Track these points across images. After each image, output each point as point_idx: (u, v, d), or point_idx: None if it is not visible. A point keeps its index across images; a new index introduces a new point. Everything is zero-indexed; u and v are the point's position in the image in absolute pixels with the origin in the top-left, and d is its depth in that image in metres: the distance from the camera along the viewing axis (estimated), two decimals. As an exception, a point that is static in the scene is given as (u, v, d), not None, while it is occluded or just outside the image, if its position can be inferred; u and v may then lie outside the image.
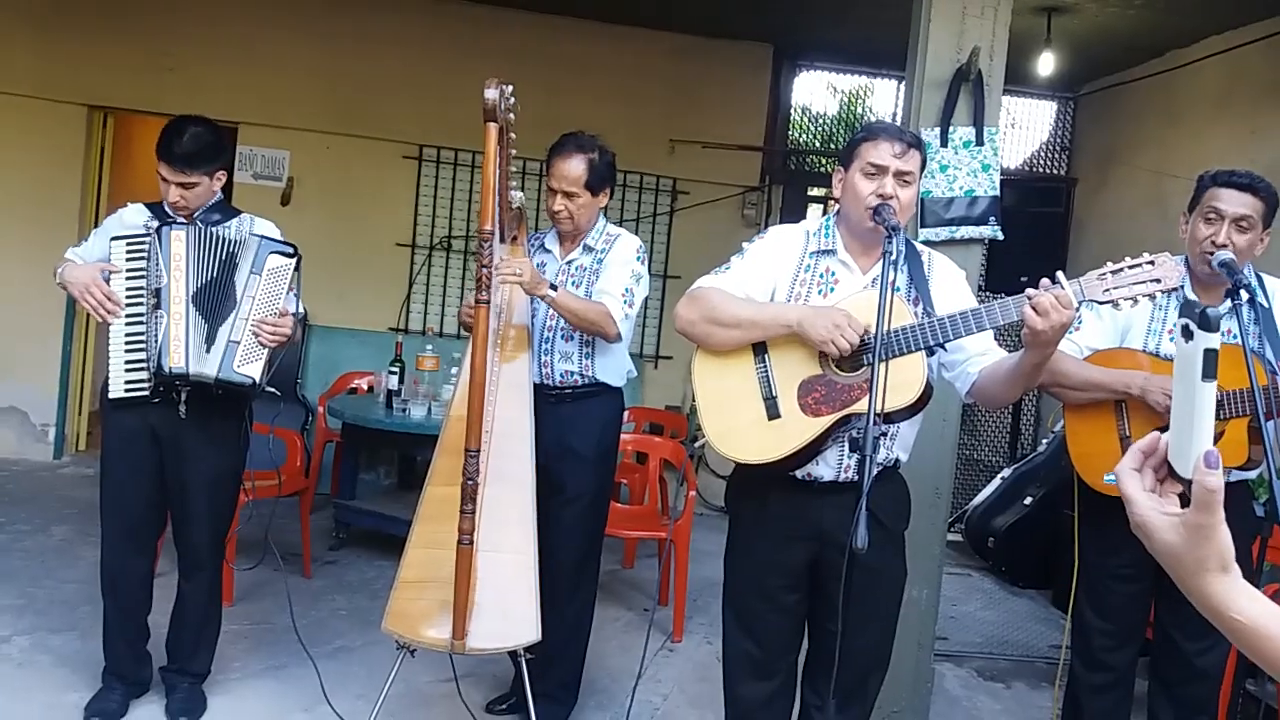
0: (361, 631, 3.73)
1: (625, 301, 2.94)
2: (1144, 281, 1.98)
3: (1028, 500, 5.31)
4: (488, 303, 2.49)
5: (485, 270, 2.46)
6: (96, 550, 2.99)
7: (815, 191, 6.92)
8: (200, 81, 5.87)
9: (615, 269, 2.99)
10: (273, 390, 2.89)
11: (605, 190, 3.04)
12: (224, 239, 2.83)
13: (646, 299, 6.43)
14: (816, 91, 7.41)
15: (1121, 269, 2.00)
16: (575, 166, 2.95)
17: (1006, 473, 5.68)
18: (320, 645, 3.58)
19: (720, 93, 6.38)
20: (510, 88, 2.50)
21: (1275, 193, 2.45)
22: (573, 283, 3.02)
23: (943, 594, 3.58)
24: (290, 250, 2.88)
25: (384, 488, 5.31)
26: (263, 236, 2.89)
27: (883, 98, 7.40)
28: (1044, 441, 5.77)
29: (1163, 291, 1.99)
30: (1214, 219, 2.43)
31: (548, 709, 3.02)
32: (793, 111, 7.00)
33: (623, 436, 4.83)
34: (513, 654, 2.71)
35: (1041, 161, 6.98)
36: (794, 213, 6.58)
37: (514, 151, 2.73)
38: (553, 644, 2.73)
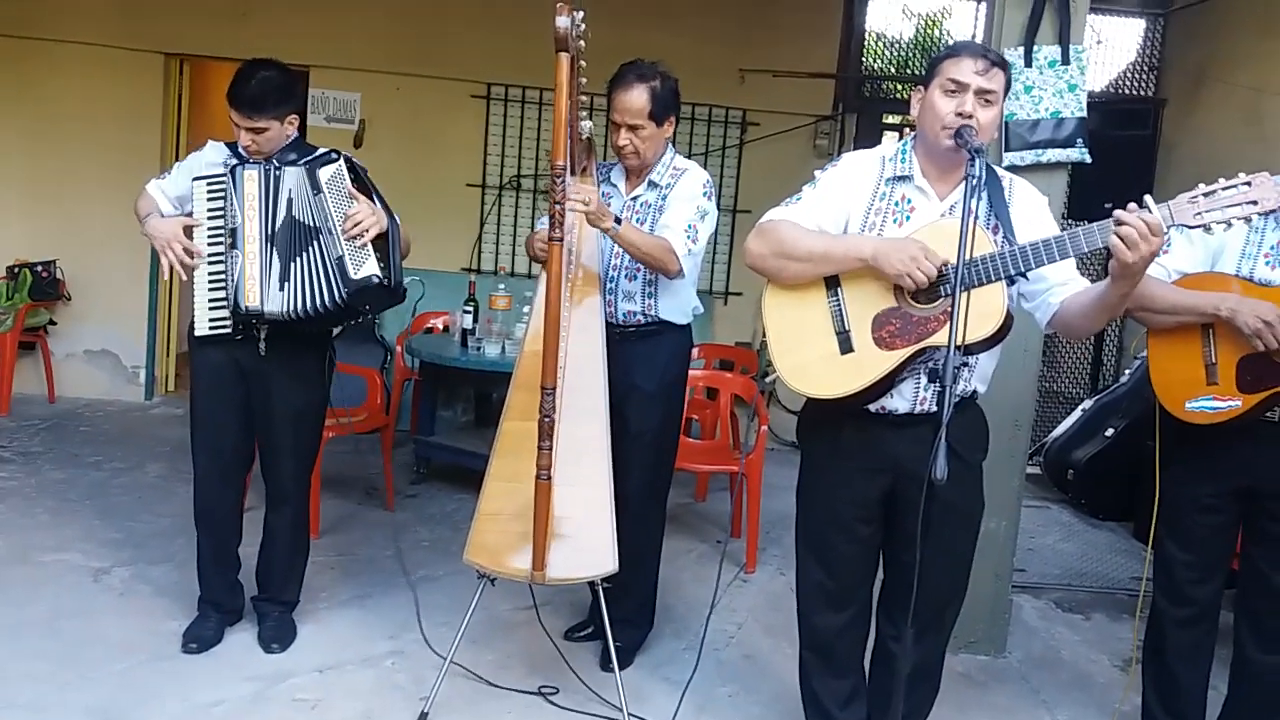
0: (443, 562, 3.84)
1: (689, 238, 2.88)
2: (1239, 204, 1.90)
3: (1109, 432, 5.19)
4: (561, 240, 2.49)
5: (559, 206, 2.46)
6: (189, 486, 3.10)
7: (891, 119, 6.73)
8: (273, 26, 5.92)
9: (680, 204, 2.94)
10: (398, 282, 2.87)
11: (670, 118, 2.96)
12: (284, 174, 2.85)
13: (715, 234, 6.37)
14: (892, 15, 7.18)
15: (1215, 190, 1.91)
16: (637, 97, 2.88)
17: (1087, 404, 5.55)
18: (404, 576, 3.70)
19: (791, 19, 6.20)
20: (581, 14, 2.46)
21: None
22: (637, 219, 2.98)
23: (1020, 526, 3.54)
24: (334, 156, 2.86)
25: (461, 424, 5.41)
26: (304, 161, 2.86)
27: (961, 20, 7.13)
28: (1126, 372, 5.62)
29: (1260, 214, 1.91)
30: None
31: (624, 633, 3.08)
32: (867, 37, 6.79)
33: (693, 373, 4.88)
34: (590, 583, 2.77)
35: (1127, 82, 6.68)
36: (868, 142, 6.42)
37: (584, 81, 2.69)
38: (625, 573, 2.77)
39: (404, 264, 2.95)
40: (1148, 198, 1.92)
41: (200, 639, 3.06)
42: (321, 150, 2.96)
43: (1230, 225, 1.92)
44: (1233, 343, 2.37)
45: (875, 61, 6.94)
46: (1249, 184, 1.89)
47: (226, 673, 2.94)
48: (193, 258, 2.84)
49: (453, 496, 4.71)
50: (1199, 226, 1.92)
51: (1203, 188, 1.93)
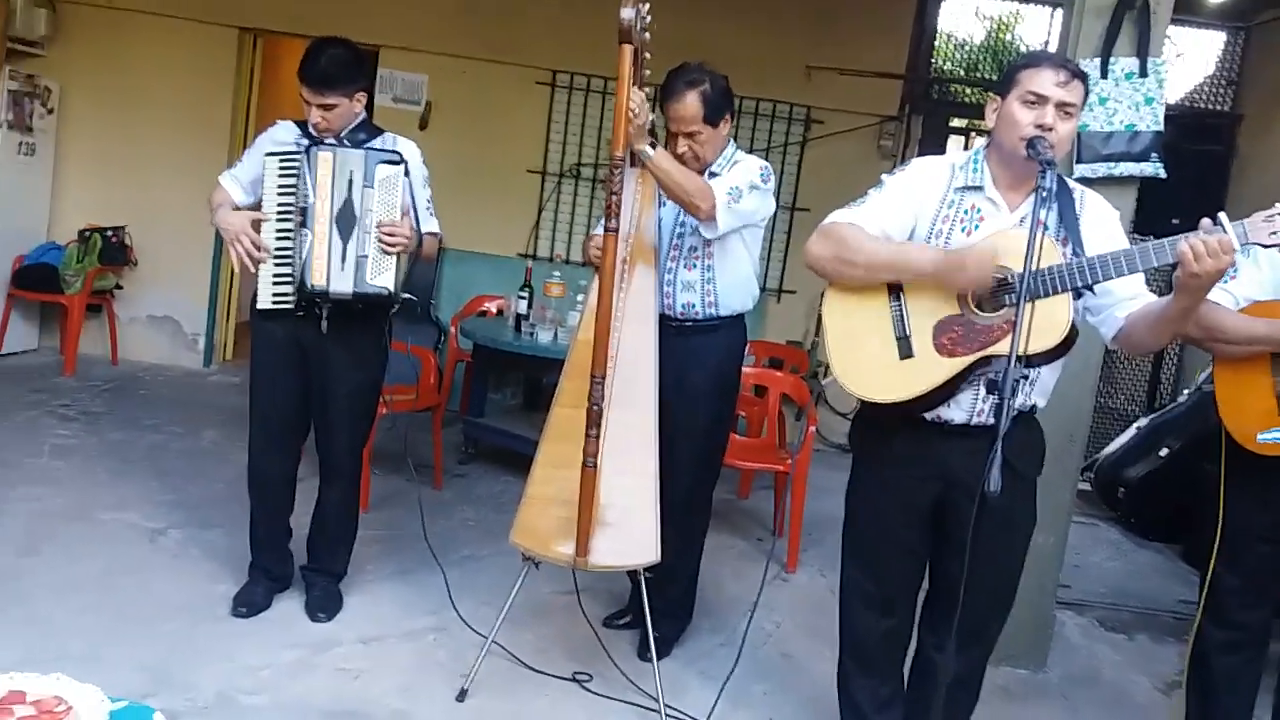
0: (488, 542, 3.89)
1: (730, 195, 2.83)
2: (1317, 226, 1.85)
3: (1164, 452, 5.10)
4: (616, 231, 2.50)
5: (615, 197, 2.47)
6: (244, 454, 3.18)
7: (957, 122, 6.65)
8: (344, 4, 6.00)
9: (730, 175, 2.91)
10: (410, 297, 2.99)
11: (725, 118, 2.94)
12: (350, 156, 2.90)
13: (772, 230, 6.33)
14: (963, 17, 7.09)
15: (1293, 212, 1.87)
16: (690, 104, 2.86)
17: (1143, 422, 5.46)
18: (449, 554, 3.74)
19: (861, 17, 6.15)
20: (647, 6, 2.47)
21: None
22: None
23: (1068, 542, 3.50)
24: (396, 158, 2.92)
25: (510, 407, 5.46)
26: (369, 148, 2.94)
27: (1034, 25, 7.03)
28: (1185, 392, 5.51)
29: (1336, 238, 1.87)
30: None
31: (663, 625, 3.10)
32: (942, 39, 6.71)
33: (744, 370, 4.88)
34: (631, 572, 2.79)
35: (1204, 96, 6.54)
36: (934, 144, 6.35)
37: (648, 72, 2.69)
38: (668, 564, 2.79)
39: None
40: (1222, 215, 1.88)
41: (250, 604, 3.13)
42: (390, 144, 3.02)
43: (1305, 249, 1.88)
44: (1305, 374, 2.32)
45: (944, 63, 6.87)
46: (1328, 207, 1.85)
47: (274, 638, 3.00)
48: (260, 251, 2.90)
49: (499, 478, 4.76)
50: (1274, 246, 1.88)
51: (1279, 207, 1.89)
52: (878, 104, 6.23)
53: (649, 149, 2.71)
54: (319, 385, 3.07)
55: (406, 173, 2.93)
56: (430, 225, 3.10)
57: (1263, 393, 2.41)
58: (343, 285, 2.89)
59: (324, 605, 3.18)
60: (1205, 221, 1.91)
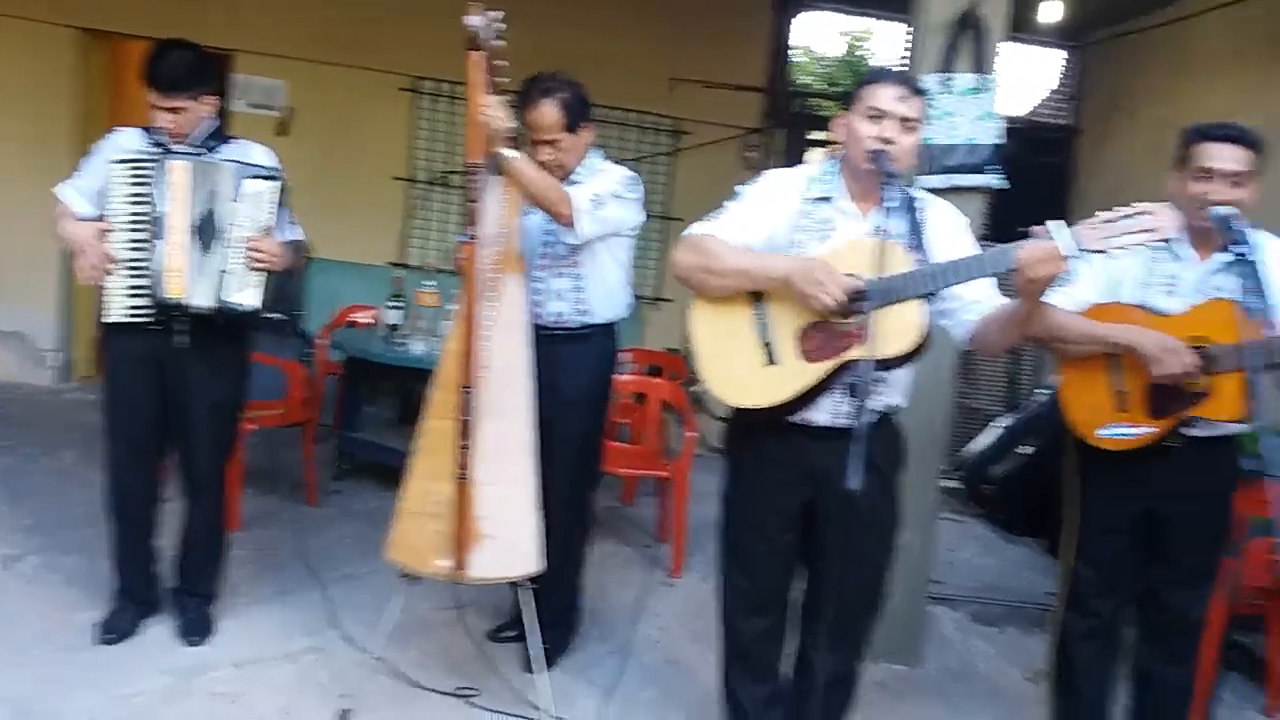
0: (366, 559, 3.81)
1: (593, 202, 2.86)
2: (1137, 231, 2.00)
3: (1024, 449, 5.37)
4: (477, 238, 2.50)
5: (475, 205, 2.47)
6: (104, 474, 3.05)
7: (816, 135, 6.89)
8: (196, 8, 5.79)
9: (590, 182, 2.94)
10: (278, 316, 2.93)
11: (585, 125, 2.97)
12: (212, 166, 2.84)
13: (645, 239, 6.40)
14: (821, 33, 7.35)
15: (1116, 218, 2.02)
16: (549, 113, 2.90)
17: (1005, 422, 5.74)
18: (327, 572, 3.68)
19: (721, 30, 6.29)
20: (499, 14, 2.47)
21: (1262, 142, 2.44)
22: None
23: (939, 540, 3.65)
24: (269, 173, 2.88)
25: (386, 420, 5.36)
26: (238, 162, 2.88)
27: (887, 41, 7.35)
28: (1043, 391, 5.82)
29: (1156, 241, 2.02)
30: (1205, 175, 2.44)
31: (548, 637, 3.10)
32: (796, 53, 6.92)
33: (622, 378, 4.92)
34: (514, 583, 2.80)
35: (1047, 110, 6.95)
36: (796, 156, 6.55)
37: (506, 80, 2.69)
38: (550, 575, 2.81)
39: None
40: (1052, 223, 2.02)
41: (117, 630, 3.02)
42: (243, 151, 2.95)
43: (1128, 251, 2.03)
44: (1140, 371, 2.48)
45: (805, 77, 7.10)
46: (1148, 213, 2.00)
47: (143, 664, 2.90)
48: (108, 263, 2.80)
49: (376, 493, 4.68)
50: (1100, 251, 2.03)
51: (1105, 215, 2.02)
52: (741, 116, 6.38)
53: (508, 152, 2.72)
54: (179, 401, 2.97)
55: (284, 189, 2.88)
56: (294, 234, 3.05)
57: (1101, 391, 2.57)
58: (203, 299, 2.82)
59: (196, 628, 3.09)
60: (1038, 229, 2.04)
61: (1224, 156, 2.43)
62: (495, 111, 2.61)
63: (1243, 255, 2.33)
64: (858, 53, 7.74)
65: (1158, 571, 2.67)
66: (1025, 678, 3.58)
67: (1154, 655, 2.71)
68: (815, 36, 7.15)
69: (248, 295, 2.83)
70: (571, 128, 2.94)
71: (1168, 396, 2.46)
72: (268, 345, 3.89)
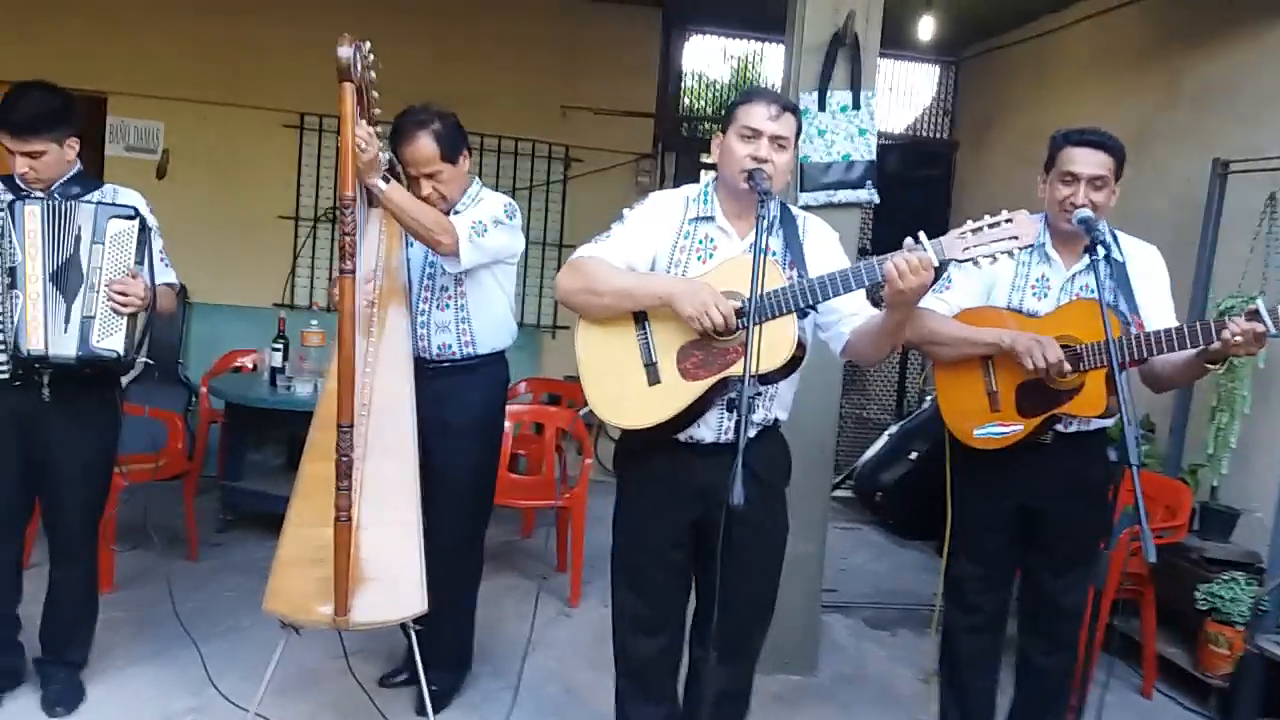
0: (251, 613, 3.64)
1: (474, 230, 2.80)
2: (1002, 239, 2.05)
3: (913, 455, 5.48)
4: (352, 273, 2.43)
5: (348, 238, 2.40)
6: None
7: (708, 158, 6.96)
8: (65, 49, 5.58)
9: (470, 211, 2.90)
10: (146, 361, 2.81)
11: (463, 153, 2.92)
12: (70, 211, 2.71)
13: (541, 267, 6.36)
14: (710, 57, 7.43)
15: (980, 228, 2.06)
16: (425, 146, 2.83)
17: (894, 429, 5.85)
18: (209, 627, 3.51)
19: (611, 58, 6.34)
20: (367, 45, 2.43)
21: (1123, 148, 2.55)
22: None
23: (833, 548, 3.69)
24: (131, 212, 2.76)
25: (273, 467, 5.18)
26: (99, 203, 2.76)
27: (774, 63, 7.46)
28: (928, 399, 5.96)
29: (1020, 248, 2.07)
30: (1070, 179, 2.52)
31: (440, 678, 3.03)
32: (686, 77, 7.00)
33: (518, 407, 4.86)
34: (403, 627, 2.70)
35: (926, 125, 7.15)
36: (689, 179, 6.57)
37: (378, 112, 2.64)
38: (441, 614, 2.72)
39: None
40: (921, 234, 2.05)
41: (-26, 707, 2.82)
42: (110, 195, 2.83)
43: (995, 259, 2.07)
44: (1010, 371, 2.55)
45: (695, 102, 7.17)
46: (1010, 220, 2.05)
47: (4, 742, 2.72)
48: None
49: (263, 544, 4.48)
50: (967, 260, 2.07)
51: (970, 224, 2.07)
52: (633, 142, 6.43)
53: (382, 184, 2.65)
54: (43, 460, 2.81)
55: (144, 227, 2.76)
56: (166, 276, 2.92)
57: (977, 392, 2.63)
58: (65, 349, 2.67)
59: (63, 699, 2.91)
60: (908, 241, 2.07)
61: (1087, 161, 2.52)
62: (368, 143, 2.54)
63: (1107, 256, 2.41)
64: (747, 76, 7.83)
65: (1035, 563, 2.74)
66: (918, 678, 3.64)
67: (1034, 645, 2.77)
68: (705, 61, 7.20)
69: (113, 341, 2.70)
70: (450, 158, 2.88)
71: (1037, 395, 2.52)
72: (146, 395, 3.72)
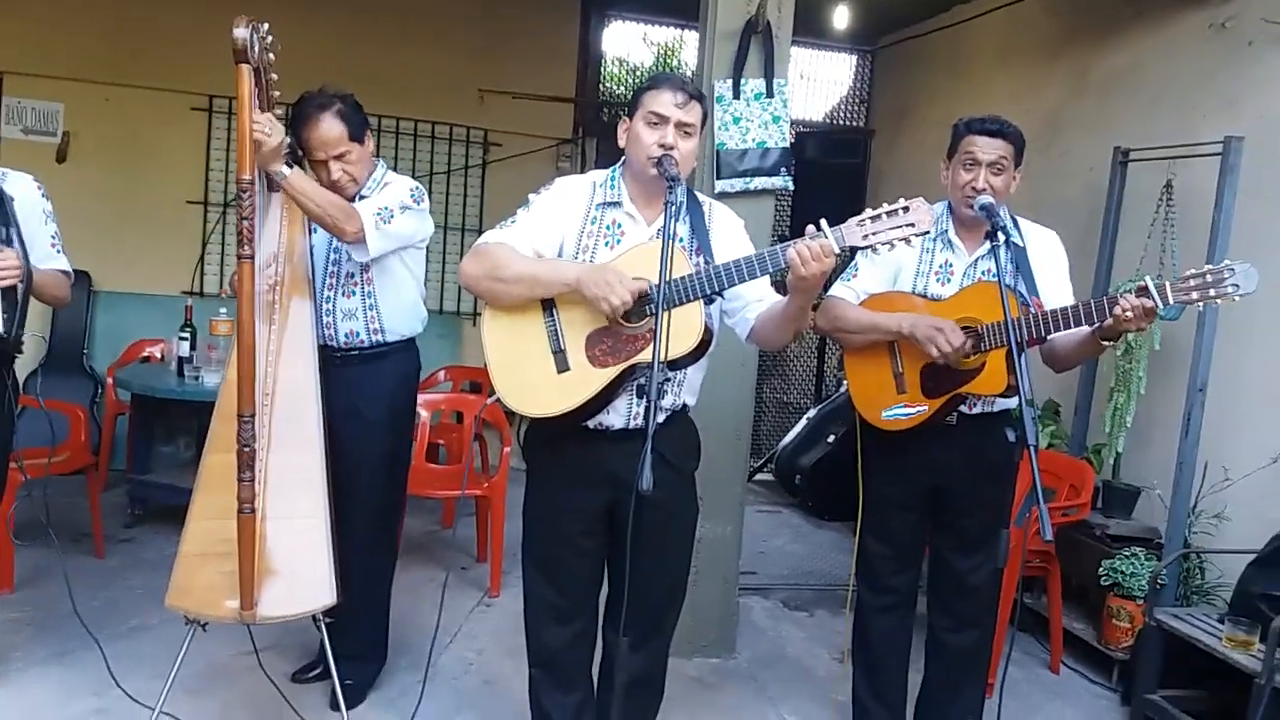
0: (159, 610, 3.48)
1: (379, 216, 2.75)
2: (900, 226, 2.08)
3: (830, 438, 5.57)
4: (251, 258, 2.36)
5: (246, 223, 2.34)
6: None
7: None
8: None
9: (376, 196, 2.86)
10: (35, 335, 2.69)
11: (368, 133, 2.88)
12: None
13: (461, 253, 6.28)
14: (632, 43, 7.41)
15: (880, 215, 2.09)
16: (331, 127, 2.78)
17: (812, 413, 5.93)
18: (114, 625, 3.43)
19: (529, 42, 6.30)
20: (265, 26, 2.37)
21: (1022, 135, 2.62)
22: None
23: (754, 531, 3.73)
24: None
25: (183, 460, 5.03)
26: None
27: (695, 50, 7.48)
28: (845, 383, 6.04)
29: (917, 235, 2.10)
30: (971, 165, 2.58)
31: (354, 669, 2.99)
32: (607, 63, 6.98)
33: (436, 396, 4.81)
34: (315, 620, 2.66)
35: (843, 113, 7.23)
36: (610, 164, 6.57)
37: (278, 94, 2.57)
38: (353, 606, 2.69)
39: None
40: (823, 222, 2.07)
41: None
42: (8, 181, 2.71)
43: (893, 246, 2.10)
44: (915, 354, 2.60)
45: (617, 87, 7.15)
46: (907, 208, 2.08)
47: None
48: None
49: (173, 538, 4.24)
50: (867, 247, 2.10)
51: (869, 212, 2.10)
52: (553, 127, 6.39)
53: (284, 169, 2.58)
54: (-72, 455, 2.69)
55: (1, 197, 2.63)
56: (58, 263, 2.82)
57: (884, 375, 2.68)
58: None
59: (-44, 705, 2.80)
60: (810, 228, 2.09)
61: (987, 147, 2.58)
62: (270, 128, 2.47)
63: (1007, 240, 2.47)
64: (669, 62, 7.83)
65: (942, 542, 2.81)
66: (833, 658, 3.71)
67: (943, 623, 2.84)
68: (626, 46, 7.18)
69: None
70: (357, 137, 2.84)
71: (941, 376, 2.58)
72: (50, 387, 3.61)
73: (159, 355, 4.88)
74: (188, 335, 4.37)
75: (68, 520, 4.31)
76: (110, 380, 4.63)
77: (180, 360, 4.34)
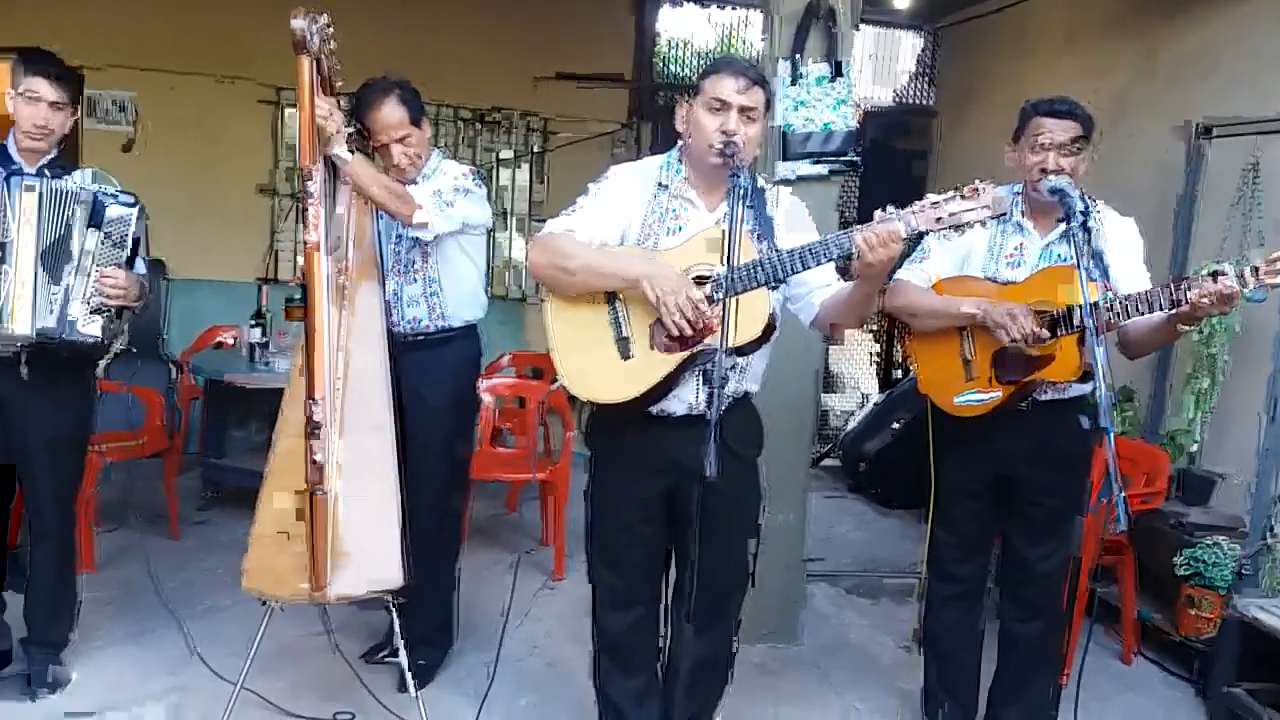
0: (233, 591, 3.60)
1: (434, 196, 2.81)
2: (971, 210, 2.04)
3: (896, 425, 5.49)
4: (317, 243, 2.41)
5: (312, 209, 2.39)
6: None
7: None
8: (33, 19, 5.48)
9: (431, 181, 2.91)
10: (130, 349, 2.80)
11: (425, 118, 2.96)
12: (67, 192, 2.69)
13: (525, 240, 6.30)
14: (694, 24, 7.35)
15: (951, 199, 2.05)
16: (393, 111, 2.85)
17: (877, 399, 5.86)
18: (191, 606, 3.52)
19: (583, 26, 6.25)
20: (324, 17, 2.40)
21: (1092, 116, 2.54)
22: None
23: (818, 517, 3.70)
24: (131, 200, 2.76)
25: (256, 444, 5.15)
26: (100, 189, 2.75)
27: (759, 31, 7.39)
28: (912, 368, 5.96)
29: (990, 218, 2.06)
30: (1041, 147, 2.52)
31: (423, 651, 3.05)
32: (664, 45, 6.93)
33: (502, 382, 4.85)
34: (384, 601, 2.70)
35: (909, 94, 7.10)
36: (668, 147, 6.54)
37: (340, 83, 2.62)
38: (421, 589, 2.73)
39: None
40: (890, 206, 2.04)
41: (-42, 688, 2.82)
42: (88, 180, 2.79)
43: (964, 230, 2.06)
44: (986, 340, 2.55)
45: (677, 69, 7.09)
46: (979, 191, 2.04)
47: (-10, 723, 2.72)
48: None
49: (245, 521, 4.40)
50: (935, 231, 2.06)
51: (940, 195, 2.06)
52: (609, 111, 6.36)
53: (345, 154, 2.62)
54: (18, 440, 2.80)
55: (141, 215, 2.76)
56: (140, 268, 2.91)
57: (954, 360, 2.63)
58: (50, 329, 2.65)
59: (45, 679, 2.91)
60: (878, 213, 2.06)
61: (1057, 129, 2.51)
62: (329, 116, 2.51)
63: (1082, 223, 2.40)
64: (732, 44, 7.74)
65: (1013, 531, 2.76)
66: (900, 646, 3.66)
67: (1013, 613, 2.80)
68: (692, 29, 7.12)
69: (94, 327, 2.70)
70: (416, 121, 2.91)
71: (1012, 362, 2.52)
72: (125, 373, 3.70)
73: (232, 341, 4.98)
74: (260, 322, 4.47)
75: (145, 503, 4.45)
76: (185, 366, 4.75)
77: (252, 346, 4.44)
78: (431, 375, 2.96)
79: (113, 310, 2.72)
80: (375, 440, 2.65)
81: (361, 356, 2.73)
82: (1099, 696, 3.31)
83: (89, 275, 2.68)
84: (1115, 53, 4.89)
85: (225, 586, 3.72)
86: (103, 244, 2.71)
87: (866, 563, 4.53)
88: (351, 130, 2.75)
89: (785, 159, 3.33)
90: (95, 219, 2.70)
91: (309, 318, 2.43)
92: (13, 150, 2.73)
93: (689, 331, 2.11)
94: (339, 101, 2.63)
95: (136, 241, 2.79)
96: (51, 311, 2.65)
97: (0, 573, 2.93)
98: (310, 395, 2.42)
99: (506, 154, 6.24)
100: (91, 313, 2.69)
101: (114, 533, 4.03)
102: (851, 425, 5.89)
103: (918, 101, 7.01)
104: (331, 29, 2.44)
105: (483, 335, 3.19)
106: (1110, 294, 2.44)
